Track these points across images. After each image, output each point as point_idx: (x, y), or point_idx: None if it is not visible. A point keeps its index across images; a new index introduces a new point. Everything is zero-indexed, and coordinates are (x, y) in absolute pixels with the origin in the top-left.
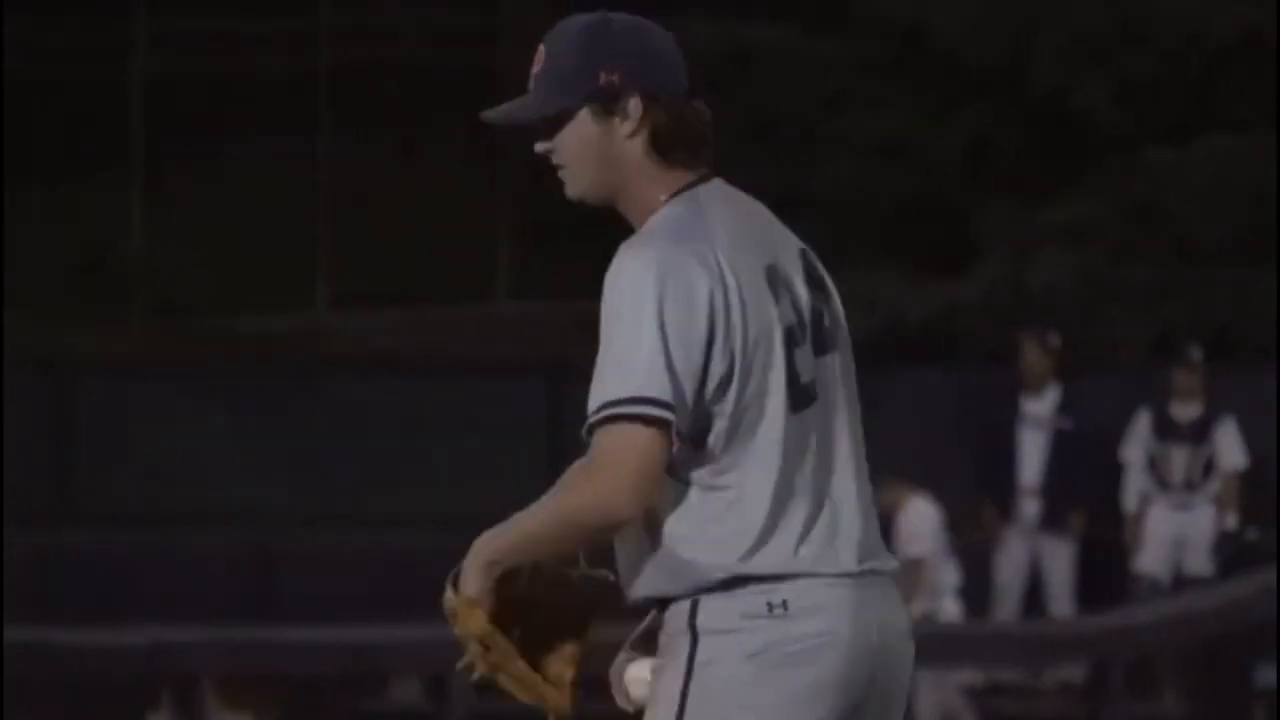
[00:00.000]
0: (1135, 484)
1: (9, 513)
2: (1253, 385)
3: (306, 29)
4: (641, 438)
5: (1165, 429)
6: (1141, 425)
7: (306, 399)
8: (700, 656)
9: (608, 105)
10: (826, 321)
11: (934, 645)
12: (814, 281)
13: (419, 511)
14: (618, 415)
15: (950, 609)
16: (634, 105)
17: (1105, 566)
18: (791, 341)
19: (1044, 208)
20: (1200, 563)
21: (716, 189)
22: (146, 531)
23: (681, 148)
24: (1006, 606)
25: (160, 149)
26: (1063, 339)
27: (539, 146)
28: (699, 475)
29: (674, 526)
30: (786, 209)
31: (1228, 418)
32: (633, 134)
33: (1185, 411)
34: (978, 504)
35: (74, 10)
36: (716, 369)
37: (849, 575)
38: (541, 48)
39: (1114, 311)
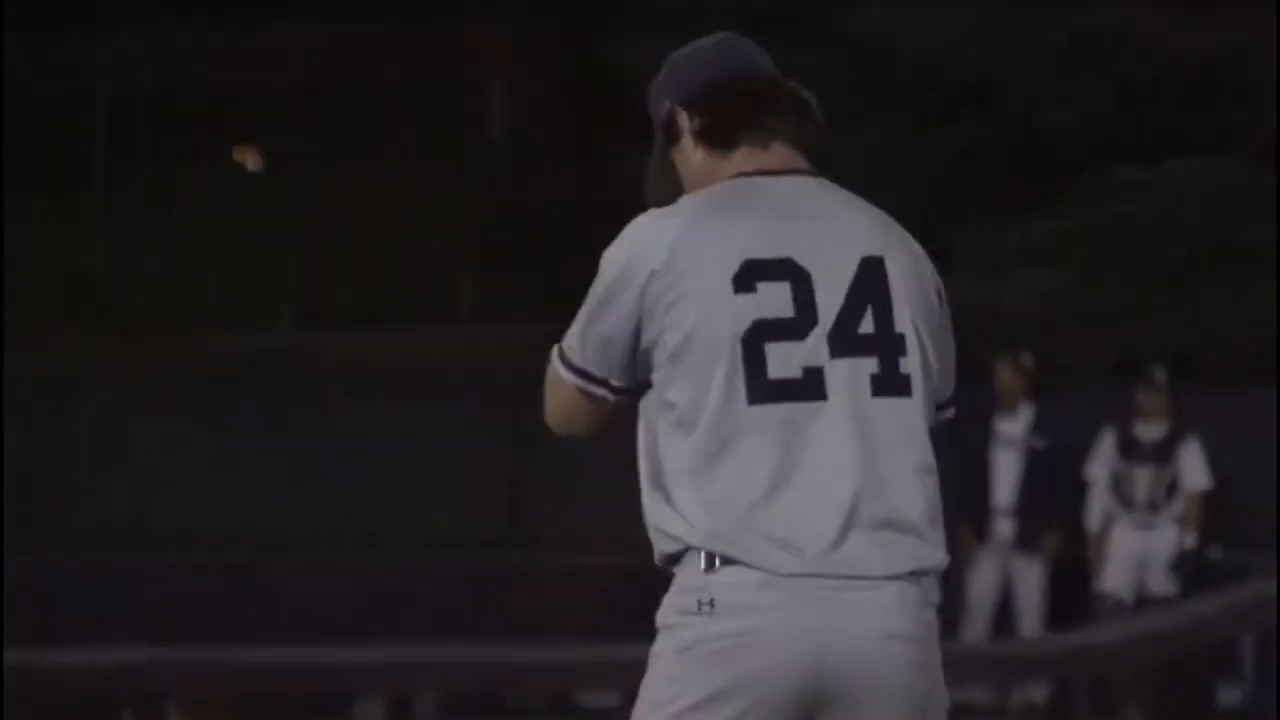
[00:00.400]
0: (1099, 503)
1: None
2: (1222, 404)
3: (272, 46)
4: (561, 382)
5: (1129, 449)
6: (1106, 444)
7: (271, 418)
8: (654, 649)
9: (672, 134)
10: (866, 328)
11: None
12: (868, 286)
13: (390, 531)
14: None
15: None
16: (682, 119)
17: (1071, 585)
18: (763, 335)
19: (1016, 226)
20: (1163, 582)
21: (753, 184)
22: (124, 551)
23: (719, 133)
24: (977, 626)
25: (124, 167)
26: (1035, 357)
27: None
28: (647, 452)
29: (645, 497)
30: None
31: (1192, 438)
32: (695, 145)
33: (1150, 432)
34: (951, 524)
35: (37, 28)
36: (644, 347)
37: (793, 576)
38: None
39: (1086, 329)
